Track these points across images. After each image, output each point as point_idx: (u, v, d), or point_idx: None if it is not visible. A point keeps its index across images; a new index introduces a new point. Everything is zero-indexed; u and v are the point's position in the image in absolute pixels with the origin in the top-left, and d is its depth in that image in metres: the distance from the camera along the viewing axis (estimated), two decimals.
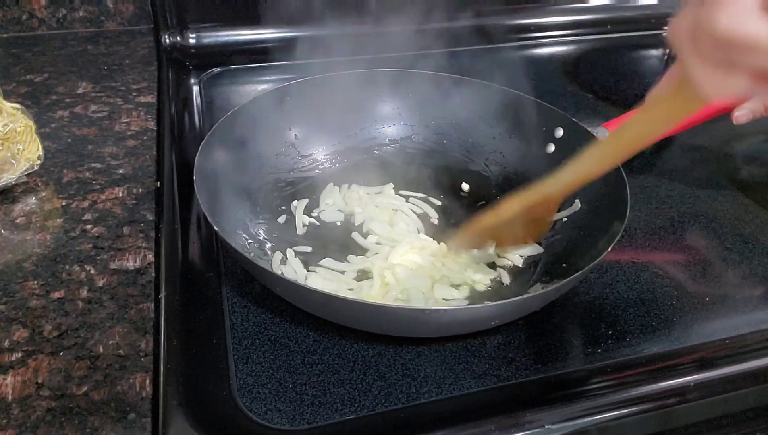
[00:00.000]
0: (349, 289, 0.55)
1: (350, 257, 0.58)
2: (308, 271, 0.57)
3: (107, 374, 0.45)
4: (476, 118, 0.70)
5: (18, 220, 0.58)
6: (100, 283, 0.52)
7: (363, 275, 0.57)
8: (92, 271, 0.53)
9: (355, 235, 0.61)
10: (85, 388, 0.44)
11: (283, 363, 0.48)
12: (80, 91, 0.79)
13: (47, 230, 0.57)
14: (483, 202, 0.66)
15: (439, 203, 0.66)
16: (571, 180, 0.51)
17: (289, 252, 0.58)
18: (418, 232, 0.62)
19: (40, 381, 0.44)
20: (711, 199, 0.69)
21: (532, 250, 0.60)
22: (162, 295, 0.52)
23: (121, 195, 0.62)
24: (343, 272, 0.57)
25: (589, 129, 0.63)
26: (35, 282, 0.52)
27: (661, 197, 0.69)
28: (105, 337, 0.48)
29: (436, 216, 0.64)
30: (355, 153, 0.71)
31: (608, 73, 0.96)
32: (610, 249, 0.49)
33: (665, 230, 0.65)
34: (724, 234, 0.64)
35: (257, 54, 0.92)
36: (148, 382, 0.45)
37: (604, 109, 0.86)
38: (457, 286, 0.55)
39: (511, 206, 0.54)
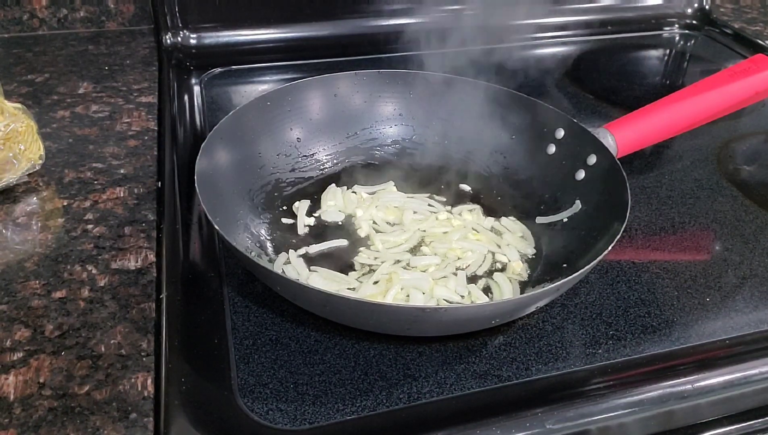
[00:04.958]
0: (350, 289, 0.55)
1: (355, 259, 0.58)
2: (310, 270, 0.57)
3: (109, 374, 0.45)
4: (477, 119, 0.70)
5: (19, 220, 0.58)
6: (102, 283, 0.52)
7: (364, 273, 0.57)
8: (94, 271, 0.53)
9: (359, 232, 0.62)
10: (86, 388, 0.44)
11: (284, 363, 0.48)
12: (81, 91, 0.79)
13: (49, 230, 0.57)
14: (484, 202, 0.66)
15: (444, 200, 0.66)
16: None
17: (292, 253, 0.58)
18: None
19: (41, 380, 0.44)
20: (711, 199, 0.69)
21: (530, 249, 0.60)
22: (163, 295, 0.52)
23: (122, 195, 0.62)
24: (345, 272, 0.57)
25: (590, 129, 0.63)
26: (37, 282, 0.52)
27: (661, 198, 0.69)
28: (106, 337, 0.48)
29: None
30: (356, 153, 0.71)
31: (609, 74, 0.96)
32: (610, 249, 0.49)
33: (665, 230, 0.65)
34: (724, 234, 0.64)
35: (258, 54, 0.92)
36: (149, 381, 0.45)
37: (604, 110, 0.86)
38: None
39: None
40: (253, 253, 0.56)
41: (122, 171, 0.65)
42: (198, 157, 0.55)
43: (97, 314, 0.49)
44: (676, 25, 1.11)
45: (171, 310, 0.51)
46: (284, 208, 0.64)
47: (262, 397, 0.46)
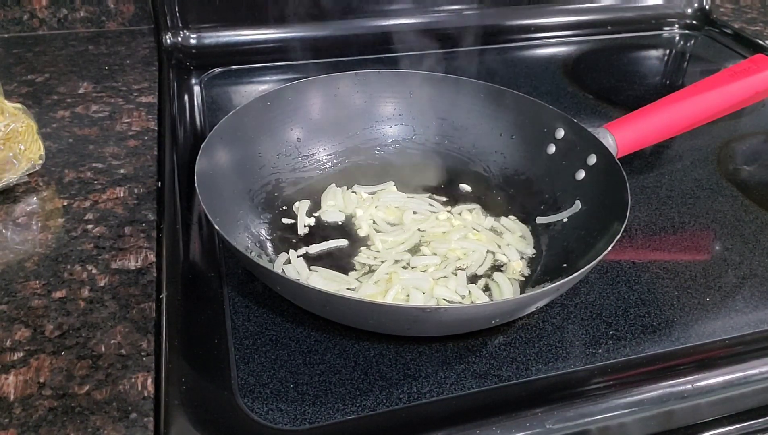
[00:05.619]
0: (350, 289, 0.55)
1: (355, 259, 0.58)
2: (310, 270, 0.57)
3: (109, 374, 0.45)
4: (477, 119, 0.70)
5: (19, 220, 0.58)
6: (102, 283, 0.52)
7: (364, 273, 0.57)
8: (94, 271, 0.53)
9: (359, 232, 0.62)
10: (86, 388, 0.44)
11: (284, 363, 0.48)
12: (81, 91, 0.79)
13: (49, 230, 0.57)
14: (484, 202, 0.66)
15: (444, 200, 0.66)
16: None
17: (292, 253, 0.58)
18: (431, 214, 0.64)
19: (41, 380, 0.44)
20: (711, 199, 0.69)
21: (530, 249, 0.60)
22: (163, 295, 0.52)
23: (122, 195, 0.62)
24: (345, 272, 0.57)
25: (590, 129, 0.63)
26: (37, 282, 0.52)
27: (661, 197, 0.69)
28: (106, 337, 0.48)
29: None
30: (356, 153, 0.71)
31: (609, 74, 0.96)
32: (610, 249, 0.49)
33: (665, 230, 0.65)
34: (724, 234, 0.64)
35: (258, 54, 0.92)
36: (149, 381, 0.45)
37: (604, 110, 0.86)
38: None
39: None
40: (253, 253, 0.56)
41: (122, 171, 0.65)
42: (198, 157, 0.55)
43: (97, 314, 0.50)
44: (676, 25, 1.11)
45: (171, 310, 0.51)
46: (284, 208, 0.64)
47: (262, 397, 0.46)
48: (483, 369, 0.49)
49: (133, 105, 0.77)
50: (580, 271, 0.47)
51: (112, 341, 0.47)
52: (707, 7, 1.13)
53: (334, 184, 0.67)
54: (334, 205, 0.65)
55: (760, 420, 0.52)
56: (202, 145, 0.57)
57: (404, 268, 0.57)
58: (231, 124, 0.62)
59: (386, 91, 0.72)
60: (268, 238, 0.60)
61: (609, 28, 1.07)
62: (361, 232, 0.62)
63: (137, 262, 0.54)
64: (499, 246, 0.60)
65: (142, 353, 0.47)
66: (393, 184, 0.68)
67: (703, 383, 0.48)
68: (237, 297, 0.54)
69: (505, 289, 0.55)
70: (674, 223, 0.66)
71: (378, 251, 0.59)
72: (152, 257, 0.55)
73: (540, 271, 0.58)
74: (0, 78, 0.75)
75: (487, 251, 0.59)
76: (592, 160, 0.61)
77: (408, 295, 0.54)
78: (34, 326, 0.48)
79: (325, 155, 0.70)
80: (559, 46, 1.03)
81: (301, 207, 0.64)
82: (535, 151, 0.67)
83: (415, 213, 0.64)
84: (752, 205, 0.69)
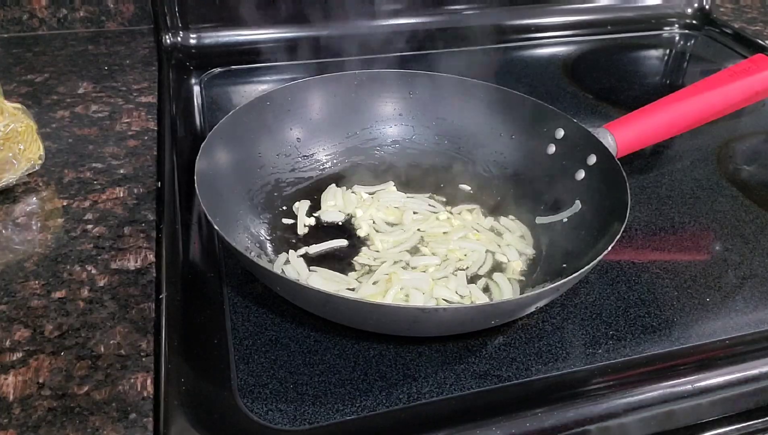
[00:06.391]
0: (350, 289, 0.55)
1: (355, 259, 0.58)
2: (310, 270, 0.57)
3: (108, 374, 0.45)
4: (477, 119, 0.70)
5: (19, 220, 0.58)
6: (101, 283, 0.52)
7: (364, 273, 0.57)
8: (93, 271, 0.53)
9: (359, 232, 0.62)
10: (86, 388, 0.44)
11: (284, 363, 0.48)
12: (81, 91, 0.79)
13: (48, 230, 0.57)
14: (484, 202, 0.66)
15: (444, 200, 0.66)
16: None
17: (291, 253, 0.58)
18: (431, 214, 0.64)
19: (41, 381, 0.44)
20: (711, 199, 0.69)
21: (530, 249, 0.60)
22: (163, 295, 0.52)
23: (122, 195, 0.62)
24: (345, 272, 0.57)
25: (590, 129, 0.63)
26: (36, 282, 0.52)
27: (661, 197, 0.69)
28: (106, 337, 0.48)
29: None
30: (356, 153, 0.71)
31: (609, 74, 0.96)
32: (610, 249, 0.49)
33: (665, 230, 0.65)
34: (724, 234, 0.64)
35: (258, 54, 0.92)
36: (149, 382, 0.45)
37: (604, 110, 0.86)
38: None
39: None
40: (252, 253, 0.56)
41: (122, 171, 0.65)
42: (198, 157, 0.55)
43: (97, 314, 0.49)
44: (676, 25, 1.11)
45: (171, 310, 0.51)
46: (284, 208, 0.64)
47: (262, 397, 0.46)
48: (483, 369, 0.49)
49: (133, 105, 0.77)
50: (580, 271, 0.47)
51: (111, 341, 0.47)
52: (707, 7, 1.13)
53: (334, 184, 0.67)
54: (334, 205, 0.65)
55: (760, 420, 0.52)
56: (201, 145, 0.57)
57: (404, 268, 0.57)
58: (231, 124, 0.62)
59: (386, 91, 0.72)
60: (268, 238, 0.60)
61: (609, 28, 1.07)
62: (361, 233, 0.61)
63: (137, 262, 0.54)
64: (499, 246, 0.60)
65: (142, 353, 0.47)
66: (393, 184, 0.68)
67: (703, 383, 0.48)
68: (237, 297, 0.54)
69: (505, 290, 0.55)
70: (674, 223, 0.66)
71: (378, 251, 0.59)
72: (152, 257, 0.55)
73: (540, 271, 0.58)
74: (0, 78, 0.75)
75: (487, 251, 0.59)
76: (592, 160, 0.61)
77: (408, 295, 0.54)
78: (33, 326, 0.48)
79: (325, 155, 0.70)
80: (559, 46, 1.03)
81: (301, 207, 0.64)
82: (535, 151, 0.67)
83: (415, 213, 0.64)
84: (752, 205, 0.69)
